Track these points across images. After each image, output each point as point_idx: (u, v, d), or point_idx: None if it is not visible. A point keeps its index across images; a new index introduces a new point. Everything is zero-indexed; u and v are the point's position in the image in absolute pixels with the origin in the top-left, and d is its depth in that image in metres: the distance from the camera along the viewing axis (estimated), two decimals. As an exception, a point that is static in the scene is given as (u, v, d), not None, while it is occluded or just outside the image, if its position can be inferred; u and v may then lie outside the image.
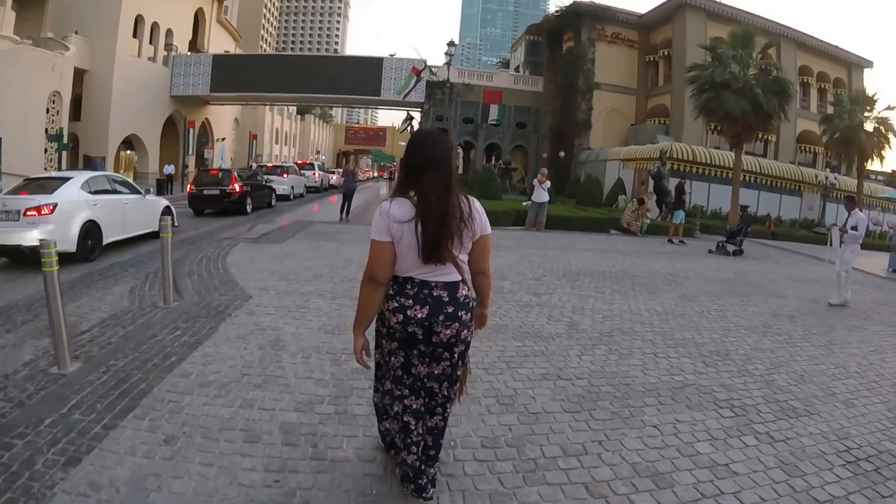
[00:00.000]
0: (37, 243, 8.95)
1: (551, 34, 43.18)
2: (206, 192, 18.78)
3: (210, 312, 6.42)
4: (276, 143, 70.44)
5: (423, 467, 2.93)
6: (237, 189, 18.73)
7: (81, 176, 11.21)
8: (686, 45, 33.51)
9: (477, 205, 2.85)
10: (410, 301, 2.71)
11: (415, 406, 2.89)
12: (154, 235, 12.92)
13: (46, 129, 25.74)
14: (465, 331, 2.82)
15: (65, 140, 25.88)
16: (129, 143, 39.74)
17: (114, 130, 35.35)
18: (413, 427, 2.89)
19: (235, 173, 19.45)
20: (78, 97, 34.34)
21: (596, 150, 36.41)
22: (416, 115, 42.68)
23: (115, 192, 11.84)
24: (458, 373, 2.96)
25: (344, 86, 39.80)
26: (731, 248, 15.24)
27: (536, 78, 44.38)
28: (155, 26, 39.01)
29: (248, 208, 19.58)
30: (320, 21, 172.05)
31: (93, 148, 34.78)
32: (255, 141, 56.13)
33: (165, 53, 40.65)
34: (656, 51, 38.35)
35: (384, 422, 3.24)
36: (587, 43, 38.24)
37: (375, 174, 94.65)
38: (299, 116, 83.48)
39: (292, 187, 28.41)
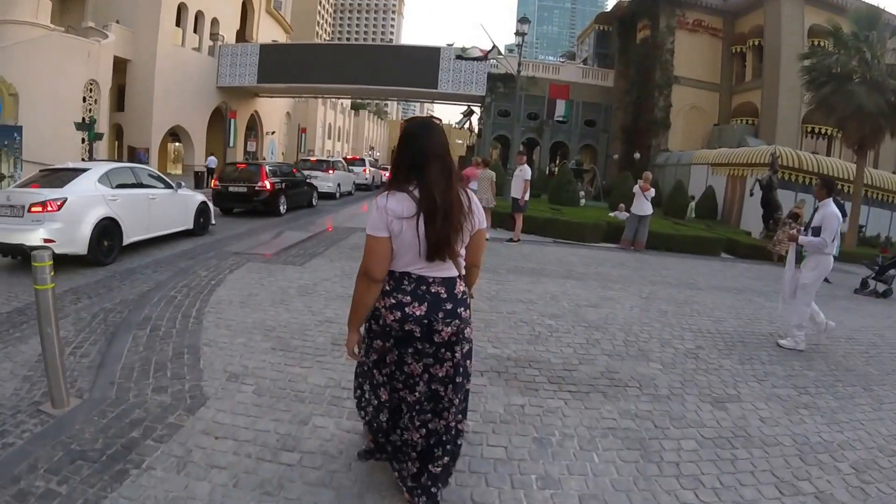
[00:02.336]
0: (41, 243, 8.03)
1: (623, 22, 40.73)
2: (231, 188, 16.83)
3: (103, 447, 3.32)
4: (329, 138, 70.23)
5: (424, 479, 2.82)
6: (267, 186, 16.60)
7: (100, 168, 10.00)
8: (781, 34, 30.88)
9: (474, 198, 2.77)
10: (408, 297, 2.62)
11: (410, 399, 2.78)
12: (190, 234, 12.05)
13: (84, 119, 24.91)
14: (467, 328, 2.77)
15: (96, 129, 25.10)
16: (176, 134, 39.68)
17: (157, 121, 35.03)
18: (405, 411, 2.81)
19: (266, 168, 17.18)
20: (122, 87, 34.23)
21: (677, 153, 33.68)
22: (477, 111, 41.04)
23: (140, 185, 10.63)
24: (463, 373, 2.83)
25: (399, 77, 38.38)
26: (881, 286, 11.73)
27: (606, 71, 41.73)
28: (199, 15, 38.72)
29: (282, 209, 17.45)
30: (374, 18, 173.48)
31: (137, 139, 34.75)
32: (303, 134, 55.41)
33: (211, 44, 40.20)
34: (744, 40, 35.51)
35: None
36: (665, 31, 35.63)
37: None
38: (353, 112, 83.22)
39: (338, 185, 26.38)
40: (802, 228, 7.00)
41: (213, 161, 32.29)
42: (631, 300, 8.14)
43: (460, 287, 2.74)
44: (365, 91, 46.00)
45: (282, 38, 51.31)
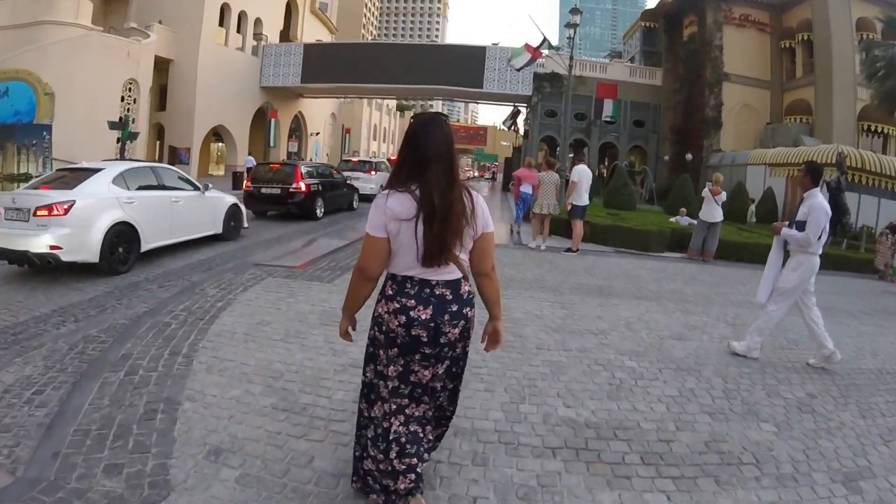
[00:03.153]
0: (46, 250, 7.49)
1: (669, 19, 39.12)
2: (264, 190, 15.80)
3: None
4: (374, 139, 69.83)
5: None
6: (303, 188, 15.45)
7: (115, 168, 9.15)
8: (830, 28, 29.01)
9: (479, 199, 2.61)
10: (413, 301, 2.53)
11: (417, 413, 2.69)
12: (218, 238, 11.21)
13: (120, 118, 24.54)
14: (470, 325, 2.68)
15: (133, 128, 24.73)
16: (219, 135, 39.48)
17: (199, 121, 34.66)
18: (422, 435, 2.68)
19: (302, 169, 15.97)
20: (165, 87, 34.18)
21: (731, 153, 31.94)
22: (523, 111, 39.62)
23: (161, 187, 9.73)
24: (461, 365, 2.80)
25: (444, 77, 37.22)
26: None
27: (654, 70, 39.95)
28: (242, 15, 38.32)
29: (319, 212, 16.38)
30: (420, 21, 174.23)
31: (178, 139, 34.51)
32: (347, 135, 54.87)
33: (255, 43, 39.73)
34: (792, 35, 33.52)
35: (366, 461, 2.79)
36: (713, 27, 33.94)
37: (475, 174, 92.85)
38: (398, 113, 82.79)
39: (381, 186, 25.29)
40: (788, 222, 5.92)
41: (251, 161, 31.68)
42: (718, 328, 6.82)
43: (465, 287, 2.63)
44: (410, 91, 44.96)
45: (326, 38, 50.77)
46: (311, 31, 47.19)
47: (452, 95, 44.93)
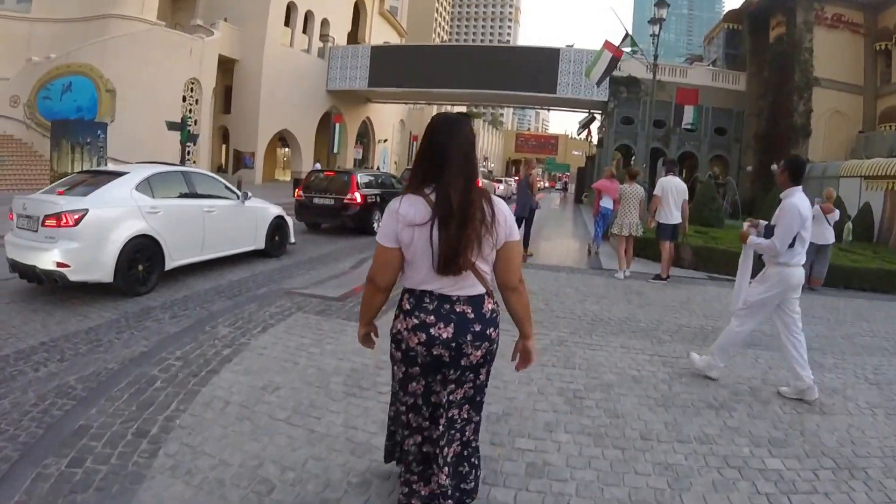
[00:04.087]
0: (53, 267, 6.69)
1: (755, 19, 36.28)
2: (316, 200, 14.58)
3: None
4: (442, 147, 68.36)
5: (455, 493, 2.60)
6: (358, 199, 14.10)
7: (141, 172, 8.11)
8: None
9: (501, 206, 2.46)
10: (432, 317, 2.37)
11: (435, 435, 2.52)
12: (260, 255, 10.19)
13: (183, 119, 24.14)
14: (494, 348, 2.52)
15: (192, 130, 24.29)
16: (285, 139, 39.26)
17: (264, 125, 34.47)
18: (435, 456, 2.53)
19: (358, 177, 14.65)
20: (230, 88, 34.02)
21: (821, 164, 29.14)
22: (597, 118, 37.59)
23: (193, 195, 8.63)
24: (483, 394, 2.65)
25: (516, 81, 35.73)
26: None
27: (738, 74, 37.17)
28: (309, 15, 37.99)
29: (376, 226, 13.91)
30: (491, 26, 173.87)
31: (243, 142, 34.47)
32: (415, 142, 54.05)
33: (321, 45, 39.32)
34: (888, 36, 30.52)
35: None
36: (802, 28, 31.19)
37: (546, 184, 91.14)
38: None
39: None
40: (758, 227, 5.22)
41: (318, 168, 31.11)
42: (861, 391, 5.12)
43: (489, 305, 2.45)
44: (480, 96, 43.61)
45: (395, 41, 50.14)
46: (380, 34, 46.68)
47: (524, 102, 43.43)
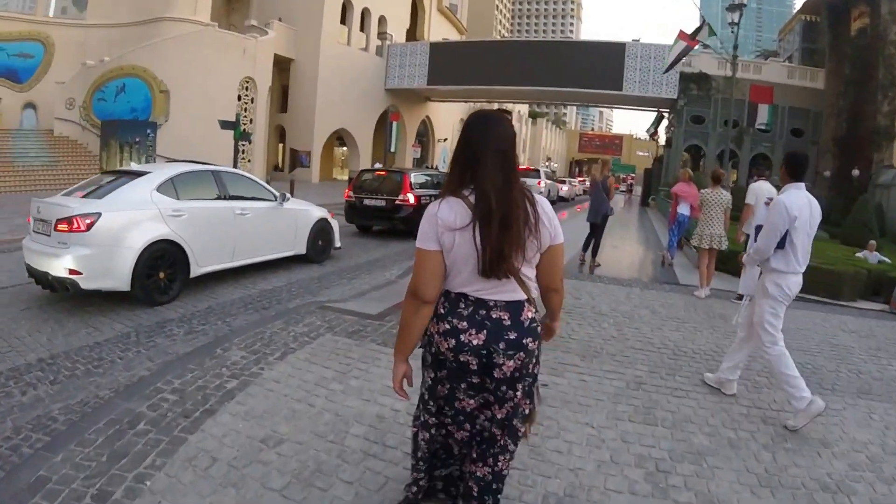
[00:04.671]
0: (64, 274, 6.22)
1: (834, 10, 34.09)
2: (367, 201, 13.77)
3: None
4: (505, 147, 67.08)
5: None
6: (411, 200, 13.17)
7: (164, 172, 7.48)
8: None
9: (545, 206, 2.30)
10: (465, 323, 2.24)
11: (458, 436, 2.44)
12: (302, 259, 9.50)
13: (238, 118, 23.88)
14: (533, 362, 2.34)
15: (245, 128, 24.05)
16: (342, 138, 39.01)
17: (320, 123, 34.08)
18: (456, 452, 2.53)
19: (411, 177, 13.69)
20: (286, 87, 34.21)
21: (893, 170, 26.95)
22: (666, 116, 35.83)
23: (224, 196, 7.91)
24: (524, 414, 2.43)
25: (580, 78, 34.12)
26: None
27: (815, 70, 34.96)
28: (365, 12, 37.41)
29: None
30: (553, 23, 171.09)
31: (299, 141, 34.15)
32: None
33: (379, 43, 38.75)
34: None
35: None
36: (888, 19, 28.81)
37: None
38: (531, 120, 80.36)
39: None
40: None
41: (378, 167, 30.66)
42: None
43: (528, 313, 2.29)
44: (541, 94, 42.13)
45: (455, 39, 49.22)
46: (439, 32, 45.86)
47: (588, 99, 41.87)
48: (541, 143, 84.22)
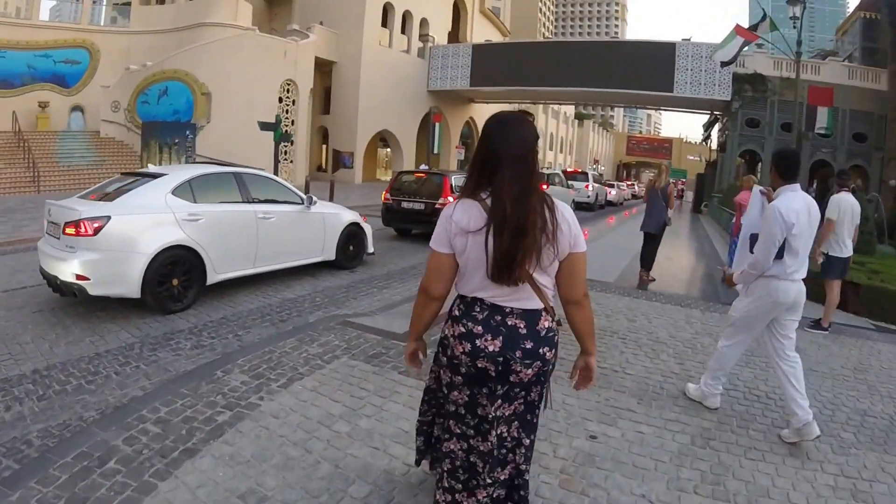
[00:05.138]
0: (72, 279, 5.92)
1: (894, 7, 31.80)
2: (405, 204, 13.09)
3: None
4: (551, 149, 65.99)
5: None
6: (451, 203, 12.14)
7: (181, 174, 7.03)
8: None
9: (566, 212, 2.21)
10: (480, 328, 2.19)
11: (483, 448, 2.28)
12: (331, 266, 8.98)
13: (278, 119, 23.60)
14: (547, 368, 2.27)
15: (286, 129, 23.86)
16: (386, 140, 38.79)
17: (363, 125, 33.75)
18: (481, 469, 2.29)
19: (452, 180, 12.79)
20: (329, 90, 34.16)
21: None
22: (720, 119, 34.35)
23: (247, 200, 7.43)
24: (536, 413, 2.37)
25: (627, 79, 32.75)
26: None
27: (878, 71, 32.43)
28: (407, 15, 37.01)
29: None
30: (597, 25, 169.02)
31: (342, 142, 33.95)
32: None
33: (421, 45, 38.35)
34: None
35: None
36: None
37: None
38: (577, 122, 78.91)
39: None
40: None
41: (423, 168, 30.20)
42: None
43: (545, 322, 2.22)
44: (587, 95, 40.78)
45: (498, 41, 48.47)
46: (482, 34, 44.98)
47: (636, 101, 40.49)
48: (588, 144, 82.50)
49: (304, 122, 28.96)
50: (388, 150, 40.89)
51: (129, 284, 5.95)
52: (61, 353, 4.99)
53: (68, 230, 5.88)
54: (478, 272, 2.17)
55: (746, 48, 26.40)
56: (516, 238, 2.06)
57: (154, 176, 6.82)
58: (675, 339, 6.08)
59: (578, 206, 25.98)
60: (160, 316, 6.15)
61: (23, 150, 20.41)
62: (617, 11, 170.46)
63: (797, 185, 4.06)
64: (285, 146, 27.10)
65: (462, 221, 2.14)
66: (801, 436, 3.81)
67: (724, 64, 26.20)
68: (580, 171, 32.61)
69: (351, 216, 9.25)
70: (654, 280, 9.50)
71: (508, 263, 2.08)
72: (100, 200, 6.36)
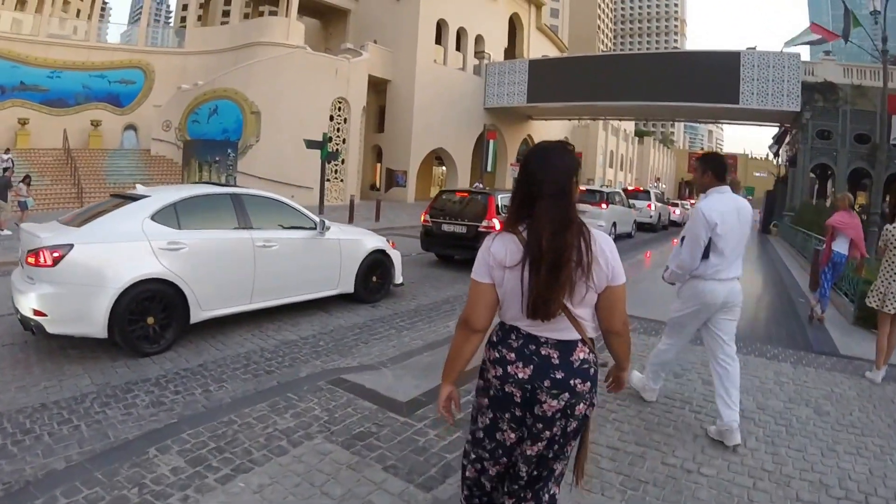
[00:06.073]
0: (30, 314, 5.10)
1: None
2: (445, 227, 11.58)
3: None
4: (610, 166, 63.87)
5: None
6: (496, 227, 10.23)
7: (164, 196, 6.04)
8: None
9: (604, 245, 2.10)
10: (513, 355, 2.12)
11: (492, 472, 2.26)
12: (348, 298, 7.84)
13: (329, 138, 23.09)
14: (581, 405, 2.10)
15: (335, 148, 23.27)
16: (441, 158, 38.13)
17: (417, 143, 33.09)
18: (489, 489, 2.30)
19: (498, 199, 11.27)
20: (384, 108, 33.74)
21: None
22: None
23: (245, 226, 6.36)
24: (560, 458, 2.21)
25: (688, 93, 30.89)
26: None
27: (963, 77, 29.91)
28: (462, 32, 36.30)
29: None
30: (656, 41, 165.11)
31: (396, 161, 33.51)
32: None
33: (476, 62, 37.40)
34: None
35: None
36: None
37: None
38: (637, 139, 76.55)
39: (613, 224, 19.52)
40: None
41: (479, 187, 29.21)
42: None
43: (580, 353, 2.10)
44: (648, 110, 38.79)
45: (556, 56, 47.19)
46: (539, 50, 43.73)
47: (700, 115, 38.35)
48: (648, 162, 79.83)
49: (355, 140, 28.42)
50: (444, 168, 40.02)
51: (94, 323, 5.00)
52: (5, 401, 4.23)
53: (29, 259, 5.04)
54: (514, 304, 2.09)
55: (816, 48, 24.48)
56: (552, 274, 1.99)
57: (133, 198, 5.87)
58: (764, 412, 4.53)
59: (640, 227, 24.18)
60: (133, 359, 5.19)
61: (70, 167, 20.51)
62: (676, 27, 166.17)
63: (726, 188, 4.07)
64: (335, 165, 26.62)
65: (500, 255, 2.09)
66: (722, 437, 3.88)
67: (787, 43, 24.39)
68: (642, 189, 30.54)
69: (374, 242, 8.06)
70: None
71: (544, 300, 2.00)
72: (70, 225, 5.46)
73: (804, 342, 7.07)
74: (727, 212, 3.89)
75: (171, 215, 5.69)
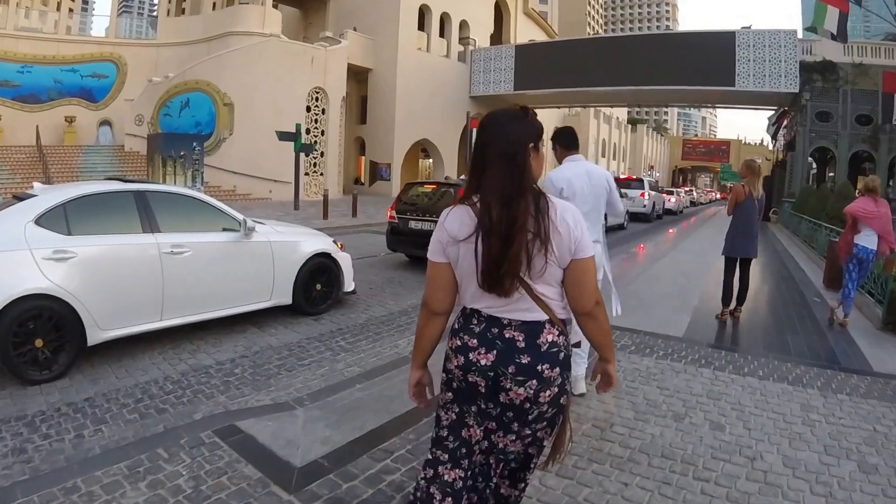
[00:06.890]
0: None
1: None
2: (413, 224, 10.46)
3: None
4: (603, 155, 63.08)
5: None
6: None
7: (52, 196, 5.17)
8: None
9: (566, 214, 1.96)
10: (475, 340, 1.99)
11: (448, 478, 2.06)
12: (289, 310, 6.96)
13: (298, 128, 22.28)
14: (548, 391, 1.96)
15: (307, 139, 22.65)
16: (427, 150, 37.43)
17: (400, 134, 32.41)
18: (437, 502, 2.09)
19: None
20: (366, 98, 33.05)
21: None
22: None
23: (151, 229, 5.48)
24: (532, 453, 2.18)
25: (683, 75, 30.27)
26: None
27: (962, 53, 29.09)
28: (445, 17, 35.41)
29: None
30: (647, 27, 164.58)
31: (379, 153, 32.81)
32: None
33: (461, 49, 36.54)
34: None
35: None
36: None
37: (717, 195, 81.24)
38: (630, 127, 76.02)
39: (653, 204, 19.27)
40: None
41: (463, 179, 28.38)
42: None
43: (548, 336, 1.97)
44: (642, 94, 37.55)
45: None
46: (526, 36, 42.92)
47: (695, 98, 37.57)
48: (642, 150, 79.30)
49: (335, 132, 27.56)
50: (430, 160, 39.26)
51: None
52: None
53: None
54: (472, 282, 1.98)
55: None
56: (504, 246, 1.87)
57: (19, 199, 5.09)
58: (797, 474, 3.43)
59: (633, 218, 23.20)
60: (21, 388, 4.43)
61: (43, 164, 20.05)
62: (668, 12, 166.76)
63: (579, 156, 4.44)
64: (314, 158, 25.90)
65: (453, 229, 1.97)
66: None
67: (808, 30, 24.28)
68: (635, 178, 29.41)
69: (317, 244, 7.12)
70: (740, 312, 7.40)
71: (496, 272, 1.90)
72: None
73: (828, 355, 6.13)
74: (574, 176, 4.24)
75: (60, 218, 4.87)
